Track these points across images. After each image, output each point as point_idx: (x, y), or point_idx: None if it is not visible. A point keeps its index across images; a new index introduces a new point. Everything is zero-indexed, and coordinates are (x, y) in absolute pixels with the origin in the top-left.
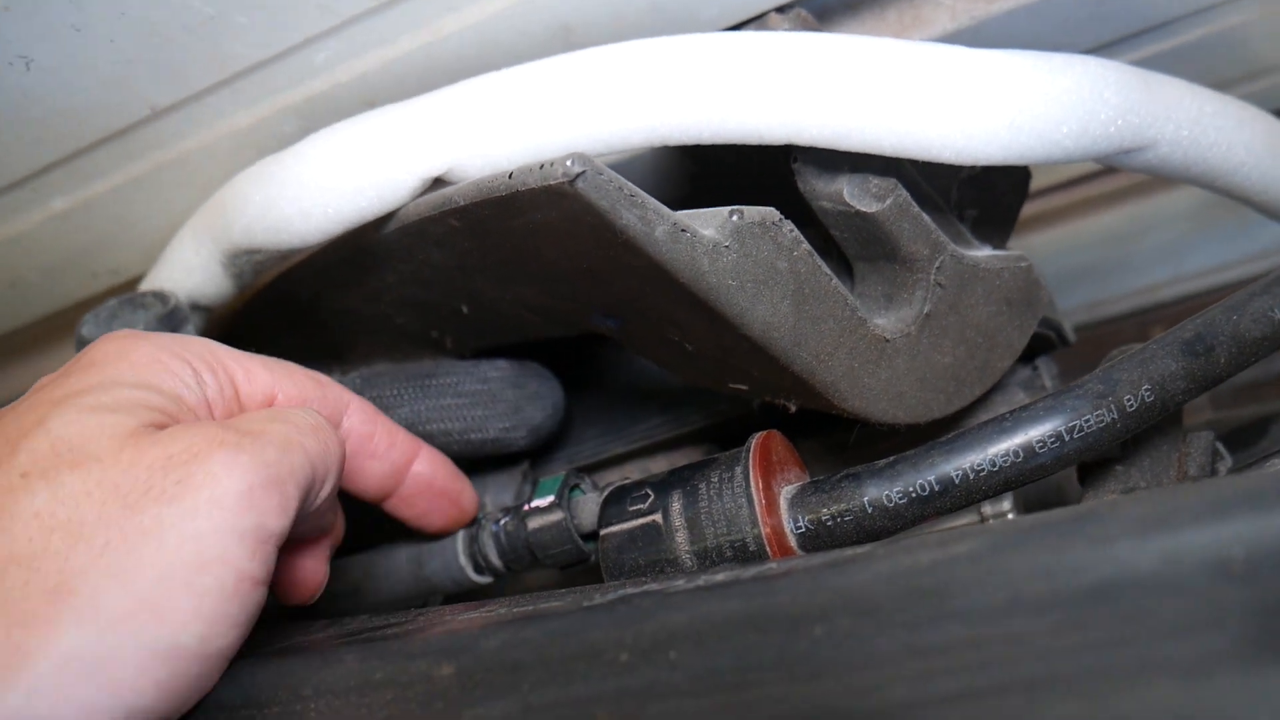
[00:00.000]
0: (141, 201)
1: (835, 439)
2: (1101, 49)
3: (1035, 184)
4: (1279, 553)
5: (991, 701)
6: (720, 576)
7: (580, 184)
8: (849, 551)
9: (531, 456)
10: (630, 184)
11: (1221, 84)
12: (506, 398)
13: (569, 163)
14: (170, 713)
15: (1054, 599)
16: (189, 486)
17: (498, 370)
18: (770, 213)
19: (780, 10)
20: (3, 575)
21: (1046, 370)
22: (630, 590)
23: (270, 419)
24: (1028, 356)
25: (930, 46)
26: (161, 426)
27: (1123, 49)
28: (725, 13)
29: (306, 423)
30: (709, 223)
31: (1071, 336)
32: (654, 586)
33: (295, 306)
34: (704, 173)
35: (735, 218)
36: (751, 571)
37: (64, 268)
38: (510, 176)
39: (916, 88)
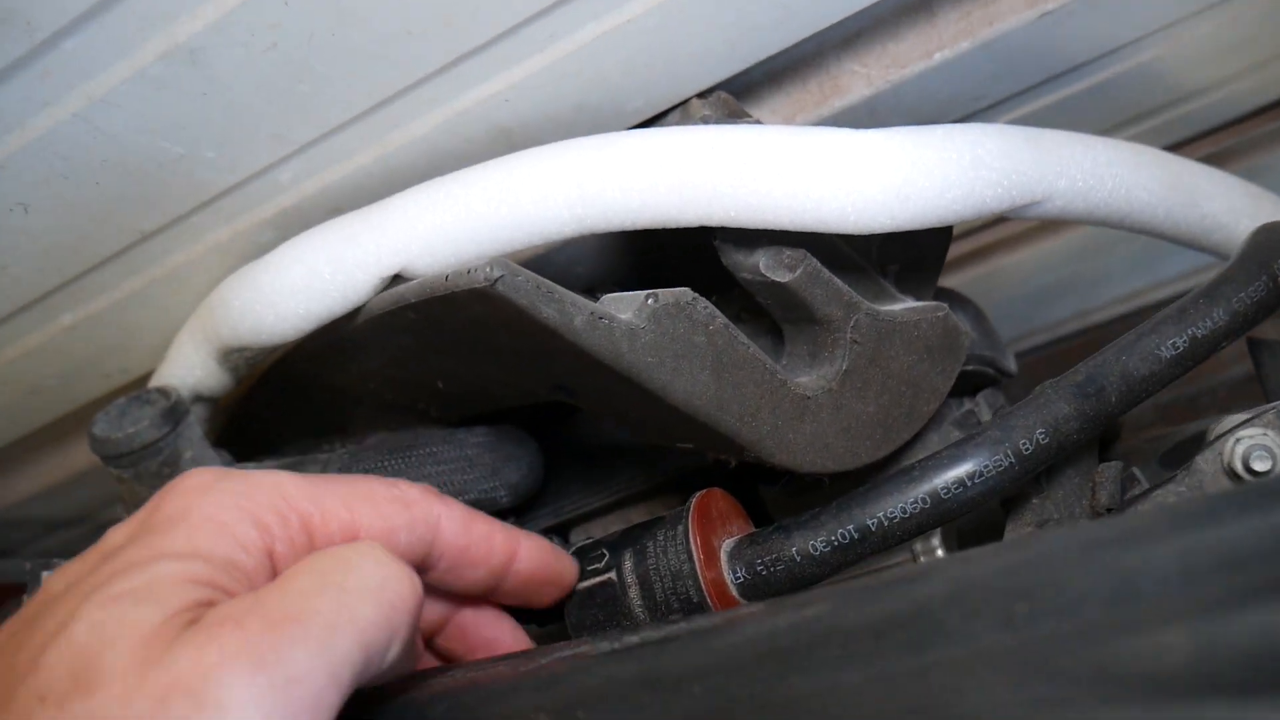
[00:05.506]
0: (142, 310)
1: (799, 483)
2: (1014, 98)
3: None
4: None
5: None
6: (634, 638)
7: (500, 286)
8: (735, 613)
9: (518, 511)
10: (546, 281)
11: (1143, 115)
12: (485, 461)
13: (488, 268)
14: None
15: (876, 650)
16: None
17: (476, 437)
18: (684, 293)
19: (701, 96)
20: None
21: (989, 404)
22: (560, 654)
23: (320, 588)
24: (972, 392)
25: (822, 132)
26: (208, 604)
27: (1036, 95)
28: (649, 104)
29: (366, 582)
30: (626, 307)
31: (1012, 368)
32: (584, 649)
33: (295, 389)
34: (651, 247)
35: (650, 301)
36: (659, 633)
37: (78, 372)
38: (446, 279)
39: (810, 170)
